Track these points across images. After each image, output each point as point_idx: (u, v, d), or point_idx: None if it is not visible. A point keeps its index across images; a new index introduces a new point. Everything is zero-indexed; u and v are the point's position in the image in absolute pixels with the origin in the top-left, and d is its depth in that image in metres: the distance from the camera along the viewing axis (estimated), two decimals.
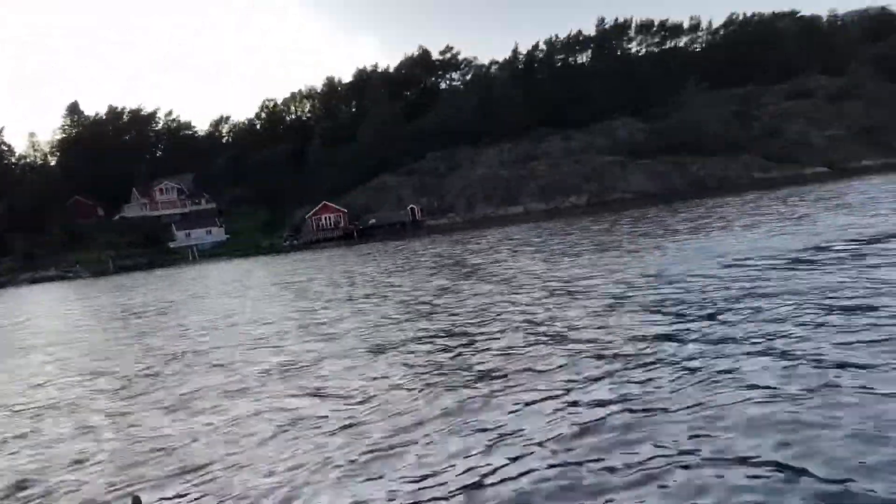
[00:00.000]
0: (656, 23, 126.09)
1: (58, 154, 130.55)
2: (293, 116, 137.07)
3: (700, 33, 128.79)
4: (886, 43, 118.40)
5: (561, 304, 13.49)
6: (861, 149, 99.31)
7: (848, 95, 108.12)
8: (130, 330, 19.51)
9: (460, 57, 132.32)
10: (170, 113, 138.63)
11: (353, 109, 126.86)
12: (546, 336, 10.91)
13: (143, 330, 18.89)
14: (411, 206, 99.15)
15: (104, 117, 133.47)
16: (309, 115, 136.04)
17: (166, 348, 14.66)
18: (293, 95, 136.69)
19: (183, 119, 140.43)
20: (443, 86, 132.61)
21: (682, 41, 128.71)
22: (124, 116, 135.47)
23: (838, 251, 15.24)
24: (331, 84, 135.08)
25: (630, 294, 13.57)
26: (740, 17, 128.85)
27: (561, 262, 22.06)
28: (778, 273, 13.57)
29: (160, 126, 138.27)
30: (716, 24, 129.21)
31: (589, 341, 10.03)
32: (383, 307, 16.63)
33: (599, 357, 9.10)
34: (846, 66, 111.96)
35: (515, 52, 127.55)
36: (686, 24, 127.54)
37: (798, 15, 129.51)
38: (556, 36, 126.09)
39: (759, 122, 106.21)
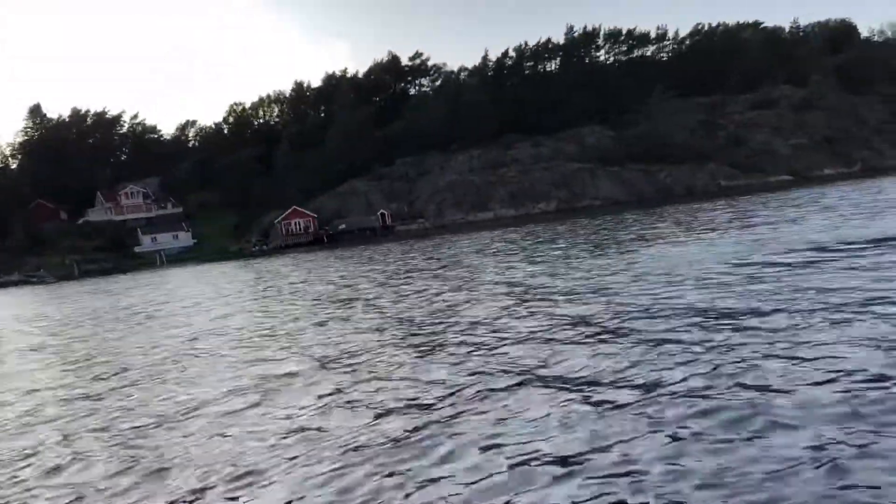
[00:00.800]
0: (624, 31, 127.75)
1: (19, 157, 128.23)
2: (261, 121, 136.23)
3: (667, 42, 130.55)
4: (846, 55, 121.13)
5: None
6: (823, 158, 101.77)
7: (810, 106, 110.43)
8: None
9: (430, 63, 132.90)
10: (135, 116, 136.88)
11: (322, 114, 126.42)
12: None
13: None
14: (381, 211, 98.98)
15: (67, 119, 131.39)
16: (277, 119, 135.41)
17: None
18: (261, 100, 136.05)
19: (149, 123, 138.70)
20: (412, 92, 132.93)
21: (649, 50, 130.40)
22: (88, 119, 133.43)
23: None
24: (299, 89, 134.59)
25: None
26: (706, 27, 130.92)
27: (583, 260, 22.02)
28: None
29: (125, 129, 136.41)
30: (682, 34, 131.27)
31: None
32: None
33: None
34: (808, 76, 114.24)
35: (485, 58, 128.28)
36: (653, 34, 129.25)
37: (762, 26, 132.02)
38: (526, 43, 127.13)
39: (724, 130, 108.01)
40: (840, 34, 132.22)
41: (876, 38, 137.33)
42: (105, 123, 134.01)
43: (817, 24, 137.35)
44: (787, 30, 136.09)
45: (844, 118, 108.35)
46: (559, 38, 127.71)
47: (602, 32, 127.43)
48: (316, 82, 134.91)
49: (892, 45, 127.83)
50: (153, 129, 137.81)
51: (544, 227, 49.18)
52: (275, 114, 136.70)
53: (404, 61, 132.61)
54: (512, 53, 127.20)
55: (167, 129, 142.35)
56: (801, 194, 47.12)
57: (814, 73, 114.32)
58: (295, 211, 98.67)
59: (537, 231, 45.53)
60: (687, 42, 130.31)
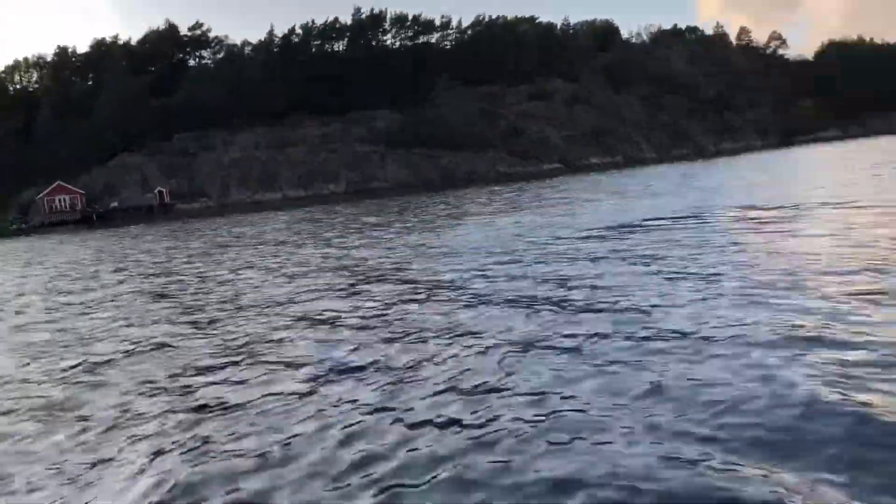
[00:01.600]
0: (410, 17, 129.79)
1: None
2: (17, 87, 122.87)
3: (450, 31, 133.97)
4: (612, 55, 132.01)
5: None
6: (589, 149, 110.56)
7: (579, 101, 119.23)
8: None
9: (211, 35, 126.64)
10: None
11: (90, 83, 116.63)
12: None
13: None
14: (159, 188, 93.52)
15: None
16: (37, 85, 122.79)
17: None
18: (17, 63, 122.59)
19: None
20: (192, 63, 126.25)
21: (434, 38, 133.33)
22: None
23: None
24: (63, 53, 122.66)
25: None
26: (486, 19, 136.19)
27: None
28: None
29: None
30: (465, 24, 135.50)
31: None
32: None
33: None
34: (580, 72, 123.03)
35: (271, 34, 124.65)
36: (438, 22, 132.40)
37: (537, 20, 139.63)
38: (313, 22, 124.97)
39: (504, 120, 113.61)
40: (605, 33, 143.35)
41: (634, 41, 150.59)
42: None
43: (585, 23, 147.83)
44: (559, 26, 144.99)
45: (609, 115, 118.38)
46: (347, 19, 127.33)
47: (389, 16, 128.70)
48: (83, 48, 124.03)
49: (648, 49, 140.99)
50: None
51: (352, 207, 48.31)
52: (34, 80, 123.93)
53: (183, 31, 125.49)
54: (299, 31, 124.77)
55: None
56: (584, 179, 51.09)
57: (583, 70, 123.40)
58: (60, 186, 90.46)
59: (351, 211, 43.82)
60: (469, 32, 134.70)
